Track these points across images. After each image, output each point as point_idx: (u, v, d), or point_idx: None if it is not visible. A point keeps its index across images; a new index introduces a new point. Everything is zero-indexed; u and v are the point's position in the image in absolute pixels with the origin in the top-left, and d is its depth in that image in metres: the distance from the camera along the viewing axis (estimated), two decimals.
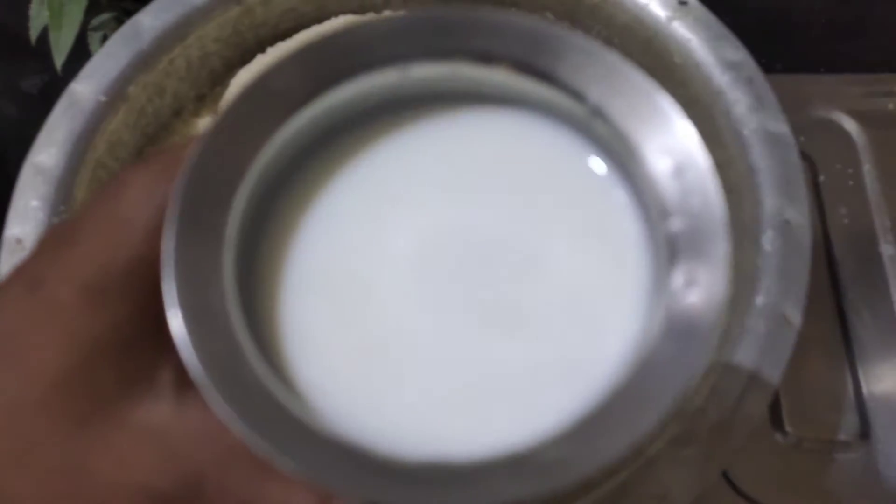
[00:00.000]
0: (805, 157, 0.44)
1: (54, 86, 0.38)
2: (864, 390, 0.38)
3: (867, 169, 0.44)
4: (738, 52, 0.36)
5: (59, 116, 0.35)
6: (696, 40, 0.36)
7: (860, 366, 0.38)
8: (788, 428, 0.37)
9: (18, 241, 0.32)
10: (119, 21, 0.45)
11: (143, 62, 0.37)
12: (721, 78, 0.35)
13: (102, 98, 0.36)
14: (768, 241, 0.31)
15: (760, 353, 0.28)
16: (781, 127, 0.33)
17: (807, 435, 0.37)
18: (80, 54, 0.41)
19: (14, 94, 0.55)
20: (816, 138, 0.45)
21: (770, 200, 0.32)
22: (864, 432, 0.37)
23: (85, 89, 0.36)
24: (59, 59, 0.41)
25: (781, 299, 0.29)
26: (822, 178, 0.44)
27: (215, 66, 0.42)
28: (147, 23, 0.38)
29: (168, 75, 0.39)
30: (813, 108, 0.46)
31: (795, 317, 0.29)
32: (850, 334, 0.39)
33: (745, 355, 0.28)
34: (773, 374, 0.28)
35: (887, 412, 0.37)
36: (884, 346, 0.39)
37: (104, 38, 0.45)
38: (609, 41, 0.41)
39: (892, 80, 0.47)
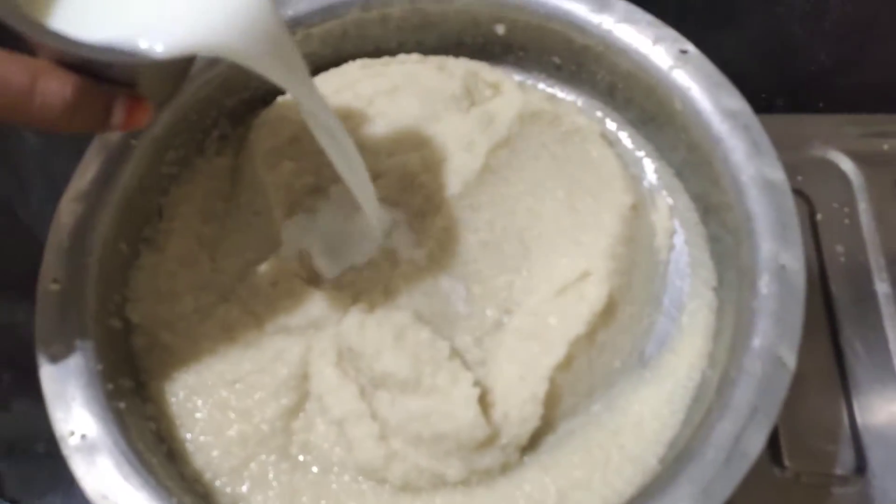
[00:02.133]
0: (802, 195, 0.46)
1: None
2: (860, 424, 0.39)
3: (863, 208, 0.45)
4: (735, 100, 0.37)
5: (91, 159, 0.37)
6: (696, 88, 0.38)
7: (856, 400, 0.40)
8: (787, 462, 0.38)
9: (55, 280, 0.33)
10: None
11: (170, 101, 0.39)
12: (720, 126, 0.37)
13: (133, 142, 0.37)
14: (764, 284, 0.32)
15: (757, 394, 0.30)
16: (777, 174, 0.35)
17: (805, 469, 0.38)
18: None
19: None
20: (814, 177, 0.46)
21: (766, 245, 0.33)
22: (861, 467, 0.38)
23: (115, 133, 0.38)
24: None
25: (777, 342, 0.31)
26: (819, 216, 0.46)
27: (237, 107, 0.44)
28: None
29: None
30: (811, 147, 0.48)
31: (790, 359, 0.30)
32: (846, 369, 0.41)
33: (743, 395, 0.30)
34: (769, 414, 0.29)
35: (882, 446, 0.38)
36: (879, 382, 0.40)
37: None
38: (613, 86, 0.42)
39: (887, 121, 0.49)
